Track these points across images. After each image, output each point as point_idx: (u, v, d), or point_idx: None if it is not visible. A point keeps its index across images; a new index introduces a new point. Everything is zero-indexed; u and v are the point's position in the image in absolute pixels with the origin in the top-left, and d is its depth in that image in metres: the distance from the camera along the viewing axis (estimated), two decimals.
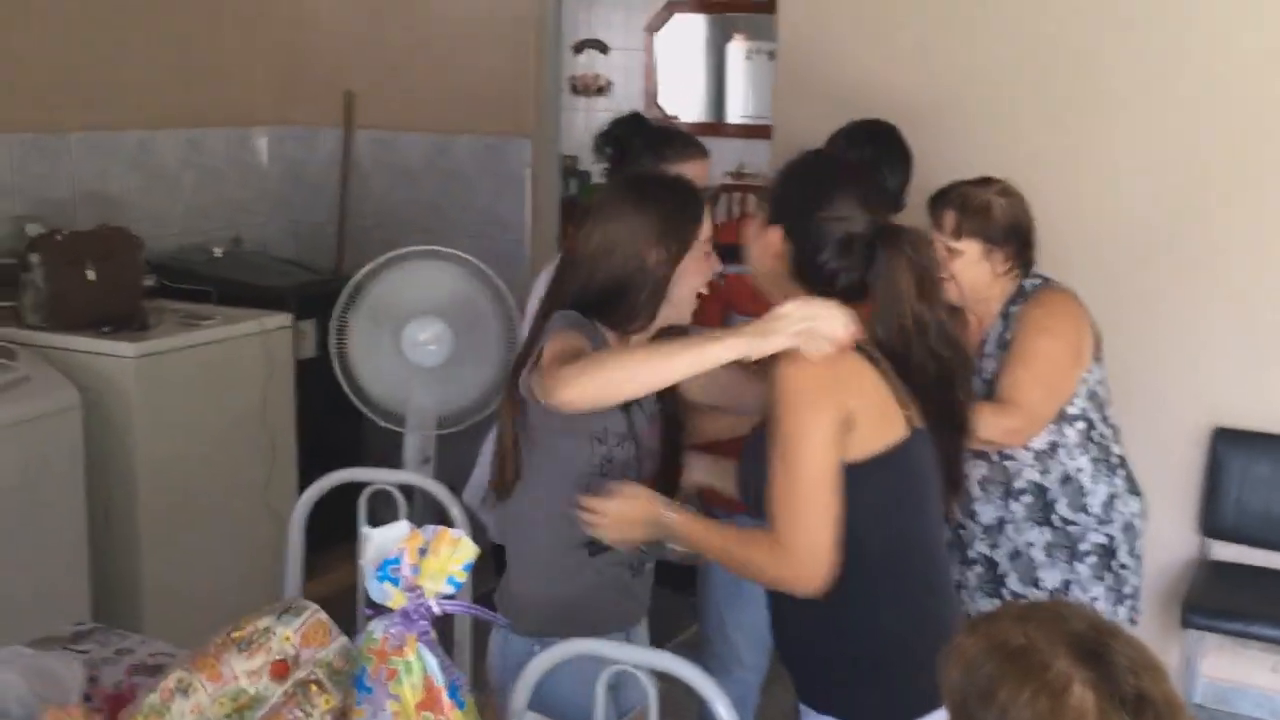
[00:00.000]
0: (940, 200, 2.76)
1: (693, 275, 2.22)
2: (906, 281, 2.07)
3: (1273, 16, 3.51)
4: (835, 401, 1.97)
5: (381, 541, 1.81)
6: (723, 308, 2.89)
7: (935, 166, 3.01)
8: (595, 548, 2.23)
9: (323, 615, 1.96)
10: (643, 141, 2.81)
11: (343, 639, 1.96)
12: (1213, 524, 3.69)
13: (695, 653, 3.11)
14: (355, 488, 2.65)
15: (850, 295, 2.08)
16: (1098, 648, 1.32)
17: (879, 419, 2.02)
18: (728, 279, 2.85)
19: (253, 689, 1.85)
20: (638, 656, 1.95)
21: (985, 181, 2.75)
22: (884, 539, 2.04)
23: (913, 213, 2.77)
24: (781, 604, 2.13)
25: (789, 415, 1.98)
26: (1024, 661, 1.32)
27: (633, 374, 2.00)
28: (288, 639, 1.90)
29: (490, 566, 2.31)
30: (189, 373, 3.72)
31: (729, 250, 2.86)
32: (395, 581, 1.80)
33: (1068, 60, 3.71)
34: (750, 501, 2.14)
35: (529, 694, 2.00)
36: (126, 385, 3.55)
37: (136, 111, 4.41)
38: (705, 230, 2.24)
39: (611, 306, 2.19)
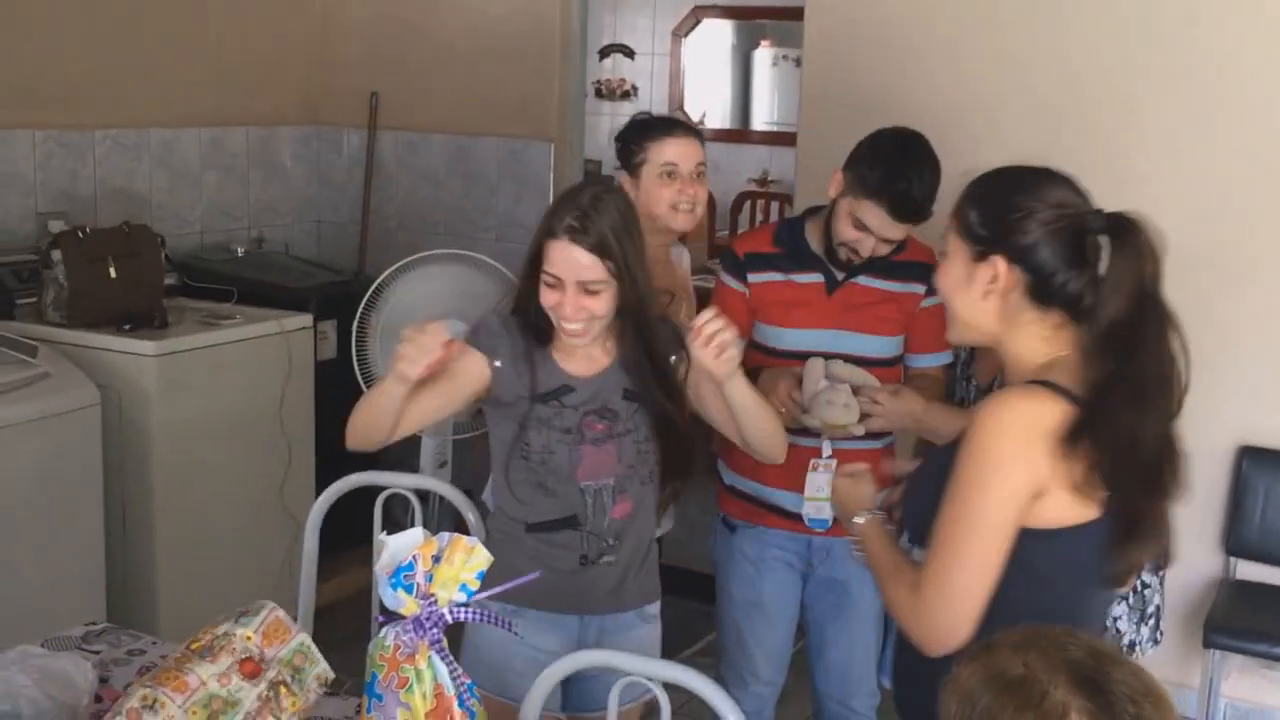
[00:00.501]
0: None
1: (546, 301, 2.28)
2: (1134, 280, 1.78)
3: None
4: (1033, 459, 1.74)
5: (396, 548, 1.79)
6: (749, 317, 2.86)
7: (963, 176, 2.97)
8: (531, 525, 2.35)
9: (280, 613, 1.95)
10: (635, 128, 2.90)
11: (301, 636, 1.95)
12: (1237, 543, 3.65)
13: (712, 661, 3.09)
14: (371, 491, 2.64)
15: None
16: (1097, 676, 1.29)
17: (1073, 491, 1.77)
18: (752, 289, 2.84)
19: (224, 691, 1.83)
20: (649, 668, 1.93)
21: None
22: (1034, 614, 1.80)
23: (938, 223, 2.73)
24: (907, 650, 1.95)
25: (977, 458, 1.77)
26: (1022, 692, 1.28)
27: (355, 421, 2.27)
28: (249, 638, 1.89)
29: None
30: (208, 372, 3.72)
31: (757, 257, 2.86)
32: (409, 588, 1.77)
33: (1098, 74, 3.68)
34: (913, 535, 2.01)
35: (539, 710, 1.99)
36: (146, 383, 3.55)
37: (161, 110, 4.41)
38: (563, 268, 2.23)
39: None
